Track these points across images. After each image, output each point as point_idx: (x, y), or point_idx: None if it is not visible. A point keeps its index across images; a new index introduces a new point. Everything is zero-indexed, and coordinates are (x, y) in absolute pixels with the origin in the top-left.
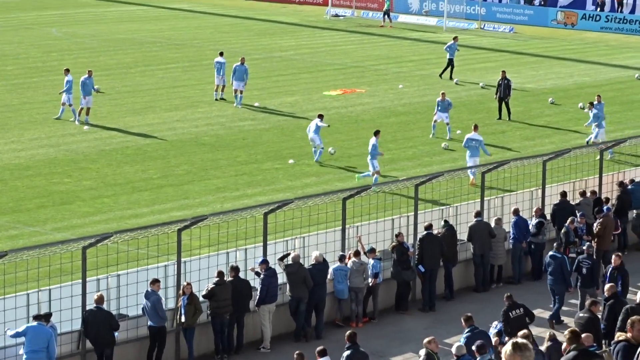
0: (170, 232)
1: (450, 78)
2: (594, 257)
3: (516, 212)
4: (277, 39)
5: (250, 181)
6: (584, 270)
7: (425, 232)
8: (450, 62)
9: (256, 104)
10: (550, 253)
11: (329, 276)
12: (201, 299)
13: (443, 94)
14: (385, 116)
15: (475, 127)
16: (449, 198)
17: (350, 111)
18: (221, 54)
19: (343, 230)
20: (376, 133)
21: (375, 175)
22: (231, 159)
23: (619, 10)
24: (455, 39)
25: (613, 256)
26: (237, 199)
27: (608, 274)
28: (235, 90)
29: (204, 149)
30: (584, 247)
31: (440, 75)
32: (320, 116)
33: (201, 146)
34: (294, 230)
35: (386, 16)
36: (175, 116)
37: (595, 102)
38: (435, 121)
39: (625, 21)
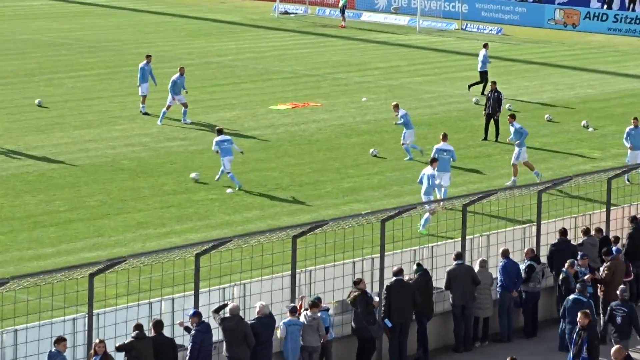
0: (80, 278)
1: (469, 87)
2: (628, 302)
3: (505, 253)
4: (213, 41)
5: (179, 215)
6: (619, 320)
7: (394, 278)
8: (484, 76)
9: (187, 121)
10: (573, 296)
11: (278, 332)
12: (114, 353)
13: (395, 105)
14: (345, 135)
15: (445, 137)
16: (422, 236)
17: (303, 129)
18: (148, 58)
19: (293, 276)
20: (433, 162)
21: (427, 215)
22: (156, 187)
23: (630, 8)
24: (485, 46)
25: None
26: (163, 237)
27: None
28: (169, 107)
29: (123, 176)
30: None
31: (469, 87)
32: (220, 131)
33: (119, 172)
34: (232, 276)
35: (342, 13)
36: (88, 135)
37: (632, 127)
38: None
39: (637, 21)
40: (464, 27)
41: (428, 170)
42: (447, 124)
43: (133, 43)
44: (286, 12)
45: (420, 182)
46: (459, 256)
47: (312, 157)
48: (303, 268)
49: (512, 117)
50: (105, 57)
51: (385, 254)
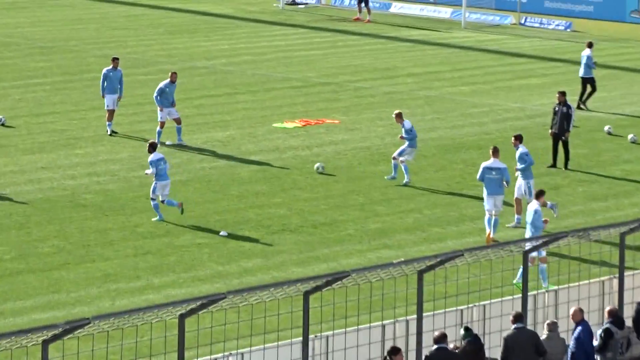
0: (31, 346)
1: (584, 104)
2: None
3: (578, 315)
4: (200, 40)
5: (157, 265)
6: None
7: (435, 346)
8: (591, 82)
9: (168, 142)
10: None
11: None
12: None
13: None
14: (371, 162)
15: (495, 151)
16: (471, 292)
17: (316, 154)
18: (115, 62)
19: (305, 344)
20: (539, 195)
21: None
22: (128, 229)
23: None
24: (590, 45)
25: None
26: (137, 293)
27: None
28: (162, 124)
29: (85, 214)
30: None
31: (584, 103)
32: (153, 146)
33: (80, 209)
34: (227, 343)
35: (362, 4)
36: (40, 161)
37: None
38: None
39: None
40: (522, 22)
41: (532, 205)
42: (502, 146)
43: (97, 43)
44: (294, 2)
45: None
46: (519, 318)
47: (329, 189)
48: (318, 333)
49: (517, 138)
50: (61, 60)
51: (424, 314)
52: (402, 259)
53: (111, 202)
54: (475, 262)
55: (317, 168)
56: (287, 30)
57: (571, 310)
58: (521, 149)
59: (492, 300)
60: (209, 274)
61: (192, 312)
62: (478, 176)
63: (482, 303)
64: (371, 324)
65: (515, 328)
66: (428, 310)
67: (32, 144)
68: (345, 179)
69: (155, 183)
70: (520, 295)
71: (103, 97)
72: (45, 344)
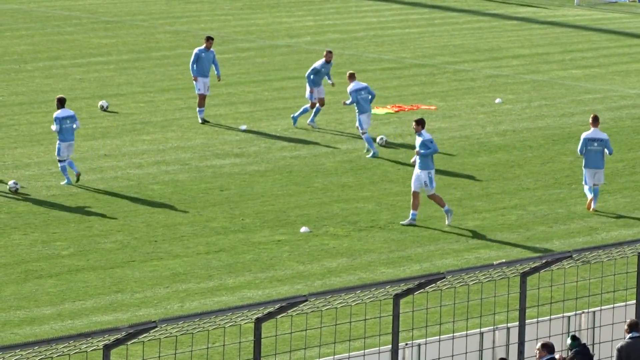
0: (91, 351)
1: None
2: None
3: None
4: (282, 15)
5: (232, 263)
6: None
7: (544, 357)
8: None
9: (242, 128)
10: None
11: None
12: None
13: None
14: (471, 152)
15: (595, 120)
16: (580, 297)
17: (410, 142)
18: (209, 42)
19: (395, 352)
20: None
21: None
22: (200, 223)
23: None
24: None
25: None
26: (209, 294)
27: None
28: (313, 104)
29: (152, 207)
30: None
31: None
32: (61, 101)
33: (147, 201)
34: (307, 351)
35: None
36: (102, 147)
37: None
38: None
39: None
40: None
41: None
42: (617, 136)
43: (167, 17)
44: None
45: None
46: (635, 326)
47: None
48: (409, 341)
49: (419, 123)
50: (127, 37)
51: (527, 322)
52: (503, 260)
53: (181, 193)
54: (585, 264)
55: (381, 140)
56: (379, 5)
57: None
58: (424, 135)
59: (603, 307)
60: (288, 274)
61: (270, 315)
62: (579, 149)
63: (591, 309)
64: (468, 332)
65: (630, 337)
66: (531, 316)
67: (94, 129)
68: (441, 171)
69: (59, 143)
70: (634, 301)
71: (195, 79)
72: (107, 349)
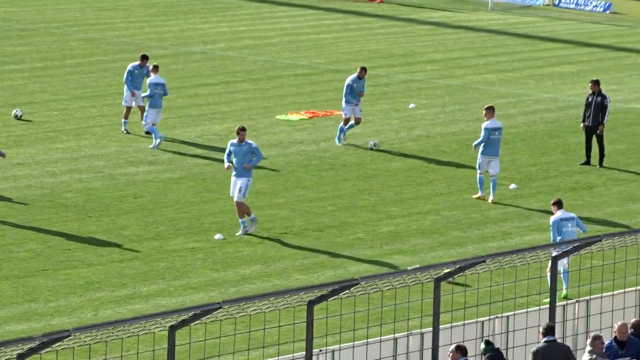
0: None
1: None
2: None
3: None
4: (197, 22)
5: (145, 271)
6: None
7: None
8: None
9: (126, 131)
10: None
11: None
12: None
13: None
14: (384, 158)
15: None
16: (493, 302)
17: (324, 149)
18: (143, 60)
19: (309, 358)
20: (556, 204)
21: None
22: (113, 231)
23: None
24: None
25: None
26: (123, 303)
27: None
28: (346, 120)
29: (66, 215)
30: None
31: None
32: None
33: (60, 209)
34: (222, 358)
35: None
36: (16, 156)
37: None
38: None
39: None
40: (556, 3)
41: (562, 213)
42: (531, 141)
43: (81, 25)
44: None
45: (557, 231)
46: (550, 330)
47: (337, 189)
48: (323, 347)
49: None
50: (41, 44)
51: (441, 327)
52: (418, 266)
53: (95, 202)
54: (498, 269)
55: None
56: (294, 11)
57: (603, 321)
58: (251, 143)
59: (517, 312)
60: (202, 281)
61: (184, 323)
62: (482, 138)
63: (505, 314)
64: (382, 337)
65: (545, 341)
66: (445, 322)
67: (8, 138)
68: (355, 177)
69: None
70: (547, 305)
71: (133, 94)
72: (21, 358)
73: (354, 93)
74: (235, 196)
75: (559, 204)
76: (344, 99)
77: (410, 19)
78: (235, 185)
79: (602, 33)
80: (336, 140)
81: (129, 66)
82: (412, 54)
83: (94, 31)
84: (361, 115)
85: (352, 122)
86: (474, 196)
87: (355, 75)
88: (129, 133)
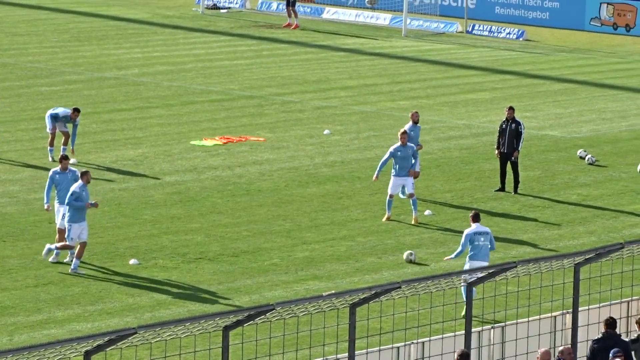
0: None
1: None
2: None
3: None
4: (111, 48)
5: (61, 296)
6: None
7: None
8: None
9: (73, 161)
10: None
11: None
12: None
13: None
14: (299, 184)
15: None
16: (409, 328)
17: (239, 175)
18: (75, 112)
19: None
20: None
21: None
22: (28, 256)
23: None
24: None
25: None
26: (38, 328)
27: None
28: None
29: None
30: None
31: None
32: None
33: None
34: None
35: (290, 8)
36: None
37: None
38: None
39: None
40: (469, 30)
41: (476, 227)
42: (446, 167)
43: None
44: (215, 7)
45: (467, 245)
46: (465, 357)
47: (252, 214)
48: None
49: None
50: None
51: (357, 352)
52: (333, 291)
53: (9, 226)
54: (414, 295)
55: (408, 257)
56: (207, 37)
57: (539, 352)
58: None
59: (432, 337)
60: (118, 306)
61: (99, 348)
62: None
63: (420, 340)
64: None
65: None
66: (361, 347)
67: None
68: (270, 203)
69: None
70: (462, 331)
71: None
72: None
73: (410, 139)
74: (59, 223)
75: (475, 218)
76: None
77: (324, 46)
78: (59, 212)
79: (515, 60)
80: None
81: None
82: (326, 80)
83: (7, 56)
84: (419, 168)
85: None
86: (383, 219)
87: (410, 123)
88: (54, 160)
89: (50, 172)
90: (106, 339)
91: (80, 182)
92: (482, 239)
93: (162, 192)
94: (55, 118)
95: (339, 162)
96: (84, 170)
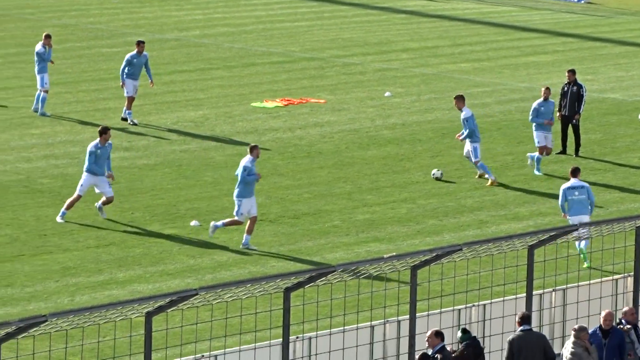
0: None
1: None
2: None
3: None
4: (172, 9)
5: (122, 257)
6: None
7: (435, 347)
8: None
9: (133, 122)
10: None
11: None
12: None
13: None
14: (360, 146)
15: (574, 172)
16: (470, 290)
17: (299, 137)
18: (140, 45)
19: (285, 346)
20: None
21: None
22: (89, 217)
23: None
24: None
25: None
26: (99, 288)
27: None
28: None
29: (42, 200)
30: None
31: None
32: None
33: (36, 195)
34: (199, 344)
35: None
36: None
37: None
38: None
39: None
40: None
41: (574, 181)
42: (507, 130)
43: (55, 11)
44: None
45: (565, 200)
46: (526, 319)
47: (313, 176)
48: (299, 334)
49: None
50: (15, 30)
51: (418, 315)
52: (394, 254)
53: (70, 187)
54: (475, 257)
55: (435, 174)
56: None
57: (603, 314)
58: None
59: (493, 300)
60: (179, 268)
61: (160, 309)
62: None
63: (481, 302)
64: (359, 325)
65: (521, 330)
66: (422, 310)
67: None
68: (330, 165)
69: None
70: (524, 294)
71: (122, 85)
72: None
73: (540, 119)
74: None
75: (573, 172)
76: (533, 126)
77: (385, 8)
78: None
79: (577, 23)
80: (535, 171)
81: (127, 55)
82: (387, 42)
83: (68, 17)
84: (551, 144)
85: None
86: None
87: (541, 99)
88: (135, 124)
89: (90, 147)
90: (167, 300)
91: (249, 156)
92: (577, 192)
93: (222, 153)
94: (129, 63)
95: (399, 125)
96: (253, 144)
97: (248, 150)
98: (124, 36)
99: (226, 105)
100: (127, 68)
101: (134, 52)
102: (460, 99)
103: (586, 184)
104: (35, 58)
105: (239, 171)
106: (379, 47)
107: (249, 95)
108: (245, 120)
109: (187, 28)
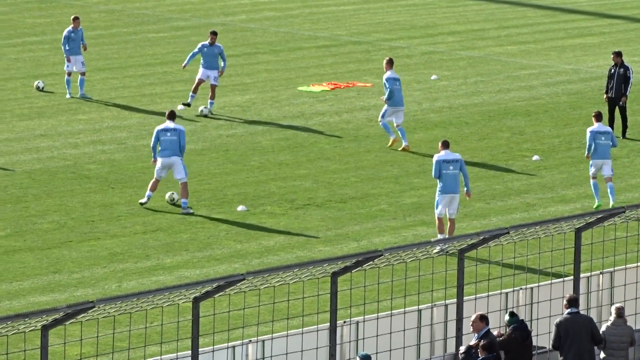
0: (29, 332)
1: None
2: None
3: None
4: None
5: (169, 243)
6: None
7: (480, 331)
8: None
9: (180, 107)
10: None
11: None
12: None
13: None
14: (407, 130)
15: (597, 116)
16: (517, 274)
17: (347, 120)
18: (213, 36)
19: (333, 330)
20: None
21: None
22: (136, 203)
23: None
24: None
25: None
26: (147, 274)
27: None
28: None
29: (89, 186)
30: None
31: None
32: (171, 116)
33: (83, 180)
34: (246, 329)
35: None
36: (39, 127)
37: None
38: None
39: None
40: None
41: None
42: (554, 112)
43: None
44: None
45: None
46: (574, 302)
47: (360, 160)
48: (347, 319)
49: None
50: (62, 16)
51: (465, 298)
52: (440, 237)
53: (118, 173)
54: (522, 241)
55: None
56: None
57: (628, 293)
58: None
59: (541, 283)
60: (226, 253)
61: (208, 295)
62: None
63: (529, 286)
64: (406, 309)
65: (569, 313)
66: (469, 293)
67: (30, 109)
68: (377, 149)
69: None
70: (572, 276)
71: (184, 67)
72: (45, 329)
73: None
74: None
75: (597, 117)
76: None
77: None
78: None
79: (623, 4)
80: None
81: (199, 44)
82: (433, 26)
83: (114, 3)
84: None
85: None
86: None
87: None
88: (187, 105)
89: (156, 130)
90: (215, 285)
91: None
92: (603, 138)
93: (269, 138)
94: (200, 52)
95: (446, 108)
96: None
97: None
98: (169, 21)
99: (273, 89)
100: (201, 59)
101: (207, 41)
102: (388, 63)
103: (610, 130)
104: (63, 41)
105: None
106: (425, 31)
107: (295, 80)
108: (291, 105)
109: (233, 13)
